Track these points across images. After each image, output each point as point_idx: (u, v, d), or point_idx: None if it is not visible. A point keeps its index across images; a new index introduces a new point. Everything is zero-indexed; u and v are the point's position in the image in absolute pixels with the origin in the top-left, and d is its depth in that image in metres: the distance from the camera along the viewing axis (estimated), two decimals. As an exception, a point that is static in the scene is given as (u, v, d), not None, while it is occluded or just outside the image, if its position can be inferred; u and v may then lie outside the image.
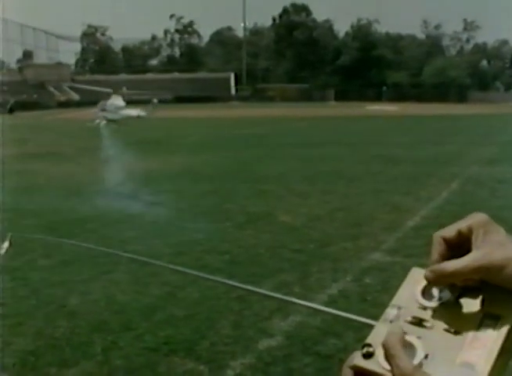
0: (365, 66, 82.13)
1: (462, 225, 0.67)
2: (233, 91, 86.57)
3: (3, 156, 18.94)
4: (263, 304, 5.22)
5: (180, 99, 75.50)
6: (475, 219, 0.67)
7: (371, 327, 0.66)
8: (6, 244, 1.17)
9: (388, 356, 0.60)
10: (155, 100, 56.49)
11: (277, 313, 5.04)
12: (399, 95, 72.56)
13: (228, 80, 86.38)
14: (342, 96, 73.88)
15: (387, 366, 0.60)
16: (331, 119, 39.10)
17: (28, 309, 5.37)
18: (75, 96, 78.93)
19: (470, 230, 0.66)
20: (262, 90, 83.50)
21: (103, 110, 46.37)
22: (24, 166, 16.32)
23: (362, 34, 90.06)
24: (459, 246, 0.67)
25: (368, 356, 0.62)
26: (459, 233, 0.67)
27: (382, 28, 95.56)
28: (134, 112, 54.85)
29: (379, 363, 0.61)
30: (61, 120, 45.71)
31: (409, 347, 0.61)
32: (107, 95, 63.05)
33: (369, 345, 0.63)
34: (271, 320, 4.97)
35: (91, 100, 72.01)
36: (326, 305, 5.33)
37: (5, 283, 6.06)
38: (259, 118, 40.55)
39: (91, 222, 9.22)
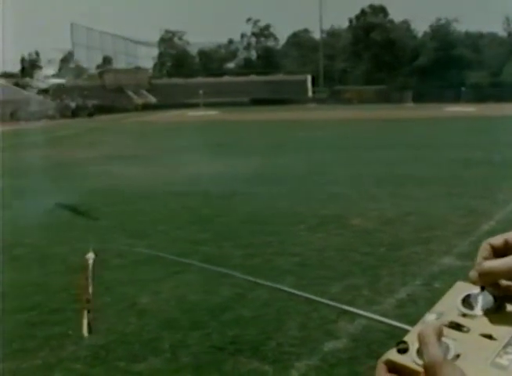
0: (444, 67, 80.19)
1: (509, 234, 0.71)
2: (310, 93, 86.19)
3: (84, 158, 19.57)
4: (331, 306, 5.21)
5: (256, 102, 75.70)
6: None
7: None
8: (92, 255, 1.24)
9: (422, 344, 0.62)
10: (72, 65, 61.06)
11: (344, 316, 5.02)
12: (478, 95, 70.36)
13: (304, 82, 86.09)
14: (420, 97, 72.33)
15: (420, 362, 0.62)
16: (408, 121, 38.45)
17: (101, 306, 5.55)
18: (152, 99, 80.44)
19: None
20: (339, 92, 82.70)
21: (37, 80, 50.43)
22: (101, 168, 16.81)
23: (441, 33, 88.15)
24: (505, 254, 0.69)
25: (402, 351, 0.64)
26: (506, 242, 0.70)
27: (462, 27, 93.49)
28: (57, 80, 59.29)
29: (412, 358, 0.62)
30: (138, 123, 46.70)
31: (443, 346, 0.62)
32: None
33: (405, 342, 0.65)
34: (337, 323, 4.97)
35: (168, 103, 73.62)
36: (395, 309, 5.30)
37: (81, 281, 6.26)
38: (335, 120, 40.30)
39: (164, 222, 9.44)
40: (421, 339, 0.62)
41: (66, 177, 15.35)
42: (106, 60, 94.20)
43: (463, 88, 73.59)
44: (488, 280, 0.68)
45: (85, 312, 1.21)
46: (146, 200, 11.47)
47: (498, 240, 0.71)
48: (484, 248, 0.71)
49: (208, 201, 11.24)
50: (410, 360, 0.63)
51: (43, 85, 57.82)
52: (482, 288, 0.68)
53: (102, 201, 11.41)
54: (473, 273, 0.69)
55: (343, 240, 8.07)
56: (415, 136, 26.12)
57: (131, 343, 4.77)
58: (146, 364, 4.40)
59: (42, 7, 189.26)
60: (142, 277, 6.45)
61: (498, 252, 0.70)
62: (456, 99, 69.32)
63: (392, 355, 0.64)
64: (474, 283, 0.69)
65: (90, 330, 1.24)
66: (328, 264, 6.99)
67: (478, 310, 0.67)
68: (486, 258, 0.70)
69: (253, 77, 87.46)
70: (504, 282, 0.68)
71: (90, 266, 1.28)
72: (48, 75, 62.66)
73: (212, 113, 57.12)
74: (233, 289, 5.87)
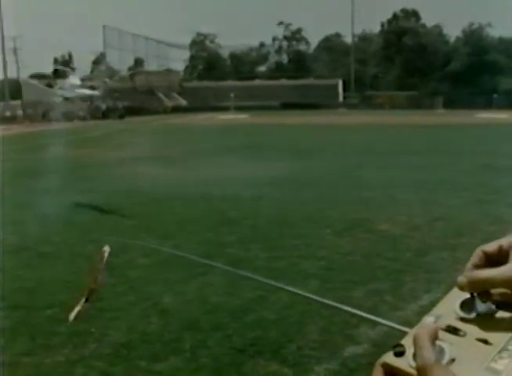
0: (476, 73, 79.32)
1: (504, 240, 0.70)
2: (341, 98, 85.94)
3: (114, 159, 19.76)
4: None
5: (287, 106, 75.72)
6: None
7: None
8: (107, 248, 1.27)
9: (416, 347, 0.62)
10: (106, 79, 58.77)
11: (366, 321, 4.99)
12: (511, 102, 69.53)
13: (336, 86, 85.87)
14: (451, 104, 71.71)
15: (415, 365, 0.62)
16: (439, 127, 38.22)
17: (125, 305, 5.60)
18: (183, 102, 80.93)
19: (510, 246, 0.69)
20: (370, 97, 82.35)
21: (61, 88, 48.73)
22: (130, 169, 16.99)
23: (474, 38, 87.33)
24: (499, 261, 0.69)
25: (398, 354, 0.64)
26: (500, 248, 0.70)
27: (495, 32, 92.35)
28: (88, 91, 57.60)
29: (408, 362, 0.63)
30: (168, 125, 47.01)
31: (438, 350, 0.63)
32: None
33: (401, 345, 0.65)
34: (359, 328, 4.94)
35: (198, 106, 74.01)
36: (417, 315, 5.25)
37: (106, 280, 6.33)
38: (366, 125, 40.21)
39: (191, 224, 9.49)
40: (415, 342, 0.62)
41: (94, 177, 15.52)
42: (138, 62, 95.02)
43: (494, 95, 72.68)
44: (479, 289, 0.68)
45: (82, 300, 1.22)
46: (174, 202, 11.54)
47: (492, 246, 0.71)
48: (477, 255, 0.71)
49: (236, 203, 11.27)
50: (406, 363, 0.63)
51: (69, 94, 56.61)
52: (471, 294, 0.68)
53: (131, 201, 11.51)
54: (461, 279, 0.68)
55: (369, 245, 8.03)
56: (446, 142, 25.96)
57: (152, 342, 4.81)
58: (167, 364, 4.42)
59: (76, 9, 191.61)
60: (166, 277, 6.49)
61: (492, 259, 0.70)
62: (488, 105, 68.53)
63: (389, 358, 0.65)
64: (462, 289, 0.69)
65: (76, 318, 1.25)
66: (353, 268, 6.96)
67: (475, 315, 0.68)
68: (477, 265, 0.70)
69: (284, 81, 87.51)
70: (497, 290, 0.67)
71: (104, 259, 1.31)
72: (75, 84, 60.41)
73: (242, 116, 57.29)
74: (256, 291, 5.87)
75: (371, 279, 6.49)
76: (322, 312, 5.29)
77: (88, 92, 61.13)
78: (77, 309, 1.21)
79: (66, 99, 53.91)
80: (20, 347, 4.81)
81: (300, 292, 1.00)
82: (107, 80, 67.42)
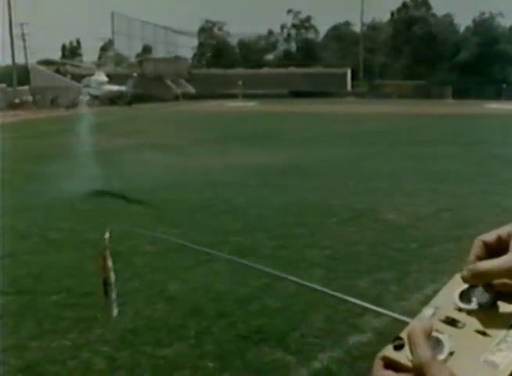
0: (486, 63, 78.59)
1: (502, 230, 0.70)
2: (349, 87, 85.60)
3: (121, 146, 19.78)
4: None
5: (295, 94, 75.55)
6: None
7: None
8: (107, 235, 1.28)
9: (410, 344, 0.61)
10: (135, 74, 57.07)
11: (370, 310, 4.99)
12: (520, 92, 69.02)
13: (344, 75, 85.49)
14: (460, 94, 71.22)
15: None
16: (447, 117, 38.04)
17: (131, 291, 5.63)
18: (191, 89, 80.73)
19: (509, 235, 0.68)
20: (378, 86, 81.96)
21: (87, 86, 47.75)
22: (137, 156, 17.01)
23: (484, 28, 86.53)
24: (499, 250, 0.68)
25: (398, 348, 0.64)
26: (499, 238, 0.69)
27: (506, 22, 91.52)
28: (115, 88, 56.49)
29: (406, 355, 0.63)
30: (176, 112, 46.95)
31: (437, 343, 0.63)
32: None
33: (401, 339, 0.65)
34: (363, 317, 4.96)
35: (207, 93, 73.83)
36: (422, 304, 5.21)
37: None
38: (374, 115, 40.03)
39: (197, 211, 9.50)
40: (409, 338, 0.62)
41: (102, 164, 15.48)
42: (146, 49, 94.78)
43: (504, 85, 72.10)
44: (481, 281, 0.67)
45: (112, 297, 1.22)
46: (181, 189, 11.56)
47: (491, 236, 0.70)
48: (477, 245, 0.70)
49: (242, 191, 11.28)
50: (405, 357, 0.62)
51: (96, 92, 54.91)
52: (471, 285, 0.69)
53: (138, 189, 11.51)
54: (464, 273, 0.68)
55: (375, 235, 8.03)
56: (455, 133, 25.83)
57: (157, 328, 4.85)
58: (171, 349, 4.46)
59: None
60: (171, 265, 6.52)
61: (491, 249, 0.69)
62: (497, 96, 68.03)
63: (388, 351, 0.65)
64: (466, 282, 0.68)
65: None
66: (358, 258, 6.97)
67: (474, 305, 0.67)
68: (479, 256, 0.69)
69: (292, 70, 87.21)
70: (498, 280, 0.67)
71: (107, 249, 1.31)
72: (102, 81, 58.11)
73: (251, 104, 57.18)
74: (261, 279, 5.88)
75: (376, 269, 6.50)
76: (327, 300, 5.31)
77: (115, 88, 59.18)
78: (115, 308, 1.21)
79: (94, 97, 52.90)
80: (27, 331, 4.86)
81: (297, 280, 1.00)
82: (135, 74, 65.85)
